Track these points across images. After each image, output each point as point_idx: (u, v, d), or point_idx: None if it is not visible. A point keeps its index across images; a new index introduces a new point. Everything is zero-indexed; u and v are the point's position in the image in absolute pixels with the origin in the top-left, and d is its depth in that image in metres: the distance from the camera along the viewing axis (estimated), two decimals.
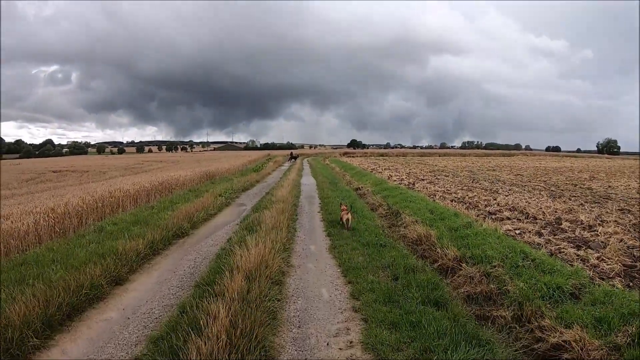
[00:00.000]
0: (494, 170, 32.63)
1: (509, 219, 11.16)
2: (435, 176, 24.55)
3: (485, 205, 13.55)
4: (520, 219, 11.01)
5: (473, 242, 7.78)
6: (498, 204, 13.60)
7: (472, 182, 21.50)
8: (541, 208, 12.19)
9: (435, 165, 37.07)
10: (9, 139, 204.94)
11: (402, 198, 14.08)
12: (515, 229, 9.71)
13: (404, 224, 11.16)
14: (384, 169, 30.36)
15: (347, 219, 10.11)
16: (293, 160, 51.39)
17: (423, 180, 21.86)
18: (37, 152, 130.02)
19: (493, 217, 11.15)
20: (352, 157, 64.23)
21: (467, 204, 13.82)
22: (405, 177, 23.11)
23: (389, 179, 22.14)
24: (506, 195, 15.64)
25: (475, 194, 16.22)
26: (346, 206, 11.03)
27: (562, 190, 17.43)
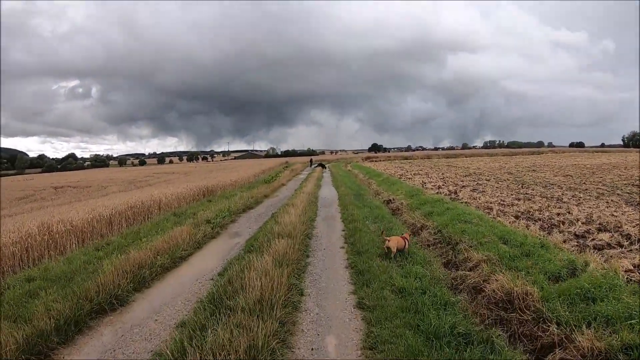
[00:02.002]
0: (534, 170, 28.31)
1: (610, 246, 7.48)
2: (475, 181, 20.32)
3: (568, 224, 9.74)
4: (623, 245, 7.40)
5: (607, 311, 4.27)
6: (578, 220, 9.85)
7: (522, 187, 17.39)
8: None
9: (468, 168, 32.59)
10: (32, 153, 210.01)
11: (452, 216, 10.20)
12: (636, 267, 5.99)
13: (469, 263, 7.41)
14: (414, 174, 26.20)
15: (391, 247, 7.11)
16: (317, 166, 46.03)
17: (464, 187, 17.70)
18: (59, 167, 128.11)
19: (585, 242, 7.85)
20: (375, 161, 59.64)
21: (540, 222, 9.91)
22: (442, 184, 18.96)
23: (423, 186, 18.08)
24: (576, 205, 12.05)
25: (538, 204, 12.45)
26: (407, 236, 7.71)
27: (630, 193, 14.14)
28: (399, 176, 24.89)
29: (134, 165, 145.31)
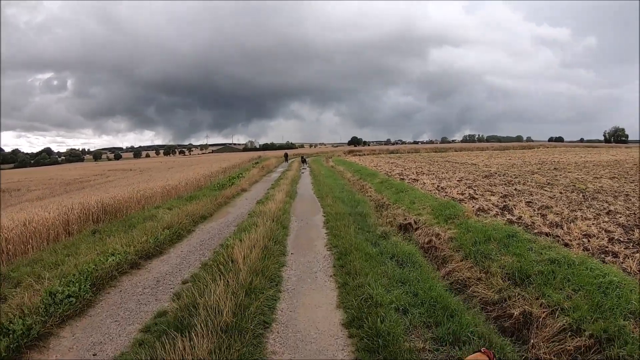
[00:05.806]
0: (556, 169, 22.73)
1: None
2: (510, 186, 14.38)
3: None
4: None
5: None
6: None
7: (585, 198, 11.62)
8: None
9: (476, 165, 26.72)
10: (8, 148, 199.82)
11: (585, 290, 4.09)
12: None
13: None
14: (417, 174, 19.90)
15: None
16: (302, 162, 34.42)
17: (506, 196, 11.77)
18: (32, 162, 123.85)
19: None
20: (360, 155, 52.83)
21: None
22: (472, 192, 12.83)
23: (446, 194, 12.02)
24: None
25: None
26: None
27: None
28: (398, 177, 18.67)
29: (109, 159, 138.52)
